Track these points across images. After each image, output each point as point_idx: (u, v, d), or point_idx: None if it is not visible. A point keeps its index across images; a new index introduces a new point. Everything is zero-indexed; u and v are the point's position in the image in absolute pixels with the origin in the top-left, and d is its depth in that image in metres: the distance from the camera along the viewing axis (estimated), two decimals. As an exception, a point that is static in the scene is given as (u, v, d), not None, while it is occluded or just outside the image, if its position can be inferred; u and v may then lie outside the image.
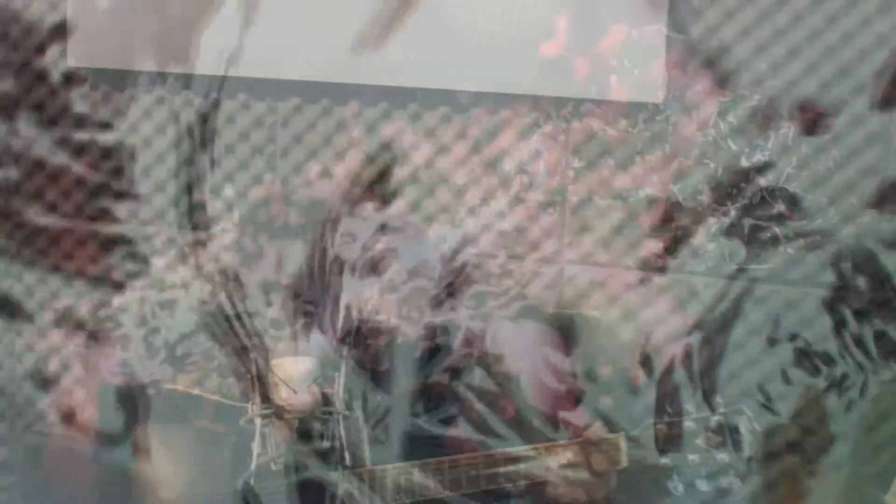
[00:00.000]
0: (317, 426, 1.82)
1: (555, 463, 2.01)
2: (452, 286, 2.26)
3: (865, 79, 2.29)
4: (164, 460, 2.16)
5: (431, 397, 2.13)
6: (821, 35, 2.30)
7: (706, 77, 2.37)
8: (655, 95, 2.36)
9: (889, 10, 2.26)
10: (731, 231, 2.41)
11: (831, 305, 2.30)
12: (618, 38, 2.35)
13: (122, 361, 2.33)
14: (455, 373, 2.17)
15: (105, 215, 2.75)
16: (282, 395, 1.83)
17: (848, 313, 2.32)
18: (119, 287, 2.75)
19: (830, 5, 2.29)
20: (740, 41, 2.34)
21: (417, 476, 2.06)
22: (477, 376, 2.19)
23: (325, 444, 1.82)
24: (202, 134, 2.66)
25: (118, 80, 2.68)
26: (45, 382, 2.83)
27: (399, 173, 2.55)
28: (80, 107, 2.72)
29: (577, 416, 2.20)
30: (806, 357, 2.39)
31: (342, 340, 2.05)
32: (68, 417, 2.83)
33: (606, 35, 2.35)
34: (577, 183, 2.47)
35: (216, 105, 2.63)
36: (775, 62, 2.32)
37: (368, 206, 2.41)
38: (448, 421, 2.13)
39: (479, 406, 2.14)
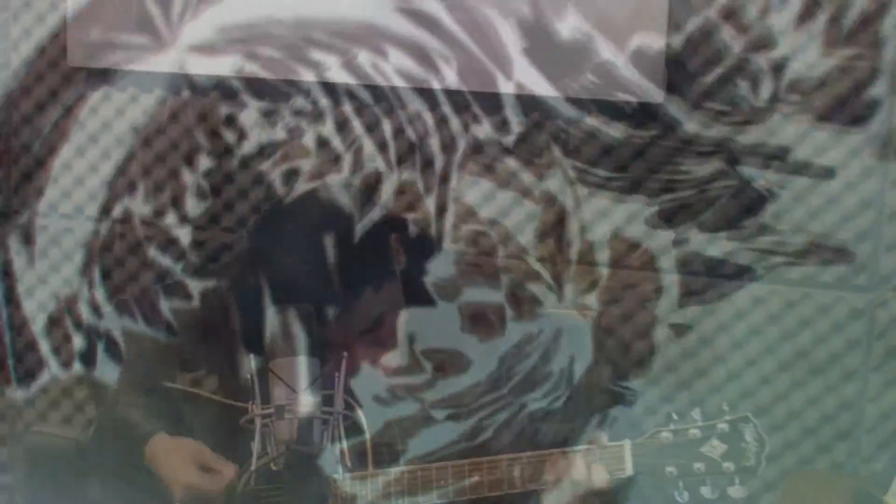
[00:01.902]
0: (317, 426, 1.81)
1: (559, 470, 2.00)
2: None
3: (866, 79, 2.29)
4: (164, 459, 2.16)
5: None
6: (821, 35, 2.30)
7: (706, 77, 2.37)
8: (655, 95, 2.36)
9: (889, 10, 2.26)
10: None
11: None
12: (617, 38, 2.35)
13: None
14: None
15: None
16: (282, 395, 1.83)
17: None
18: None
19: (830, 5, 2.29)
20: (740, 41, 2.34)
21: (420, 479, 2.06)
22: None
23: (326, 444, 1.82)
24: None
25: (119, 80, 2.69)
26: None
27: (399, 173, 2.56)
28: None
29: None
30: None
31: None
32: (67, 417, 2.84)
33: (606, 35, 2.35)
34: (577, 182, 2.47)
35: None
36: (776, 62, 2.32)
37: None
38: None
39: None
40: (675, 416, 2.01)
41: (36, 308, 2.83)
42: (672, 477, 1.98)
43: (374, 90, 2.53)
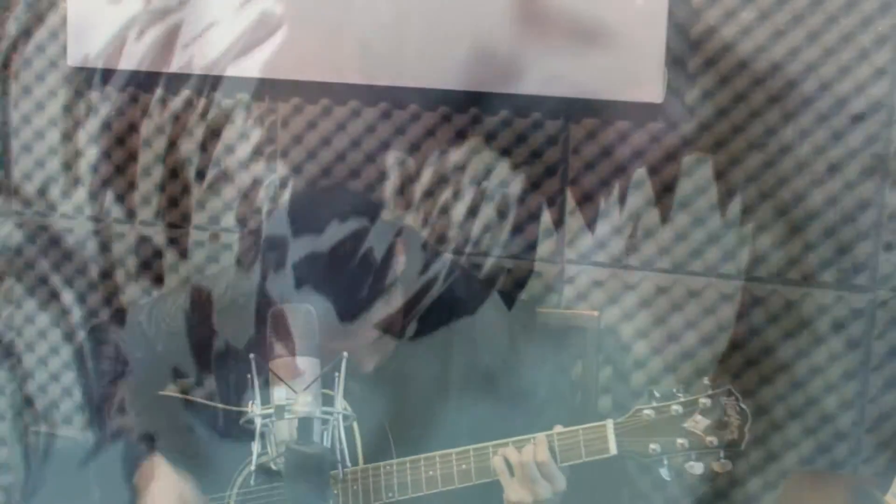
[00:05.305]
0: (317, 426, 1.81)
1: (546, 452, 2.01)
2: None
3: (866, 79, 2.29)
4: (151, 490, 2.17)
5: None
6: (821, 35, 2.30)
7: (706, 77, 2.37)
8: (655, 95, 2.36)
9: (889, 10, 2.26)
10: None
11: None
12: (617, 38, 2.35)
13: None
14: None
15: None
16: (282, 395, 1.83)
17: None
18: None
19: (830, 5, 2.29)
20: (740, 41, 2.34)
21: (413, 472, 2.06)
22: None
23: (326, 443, 1.82)
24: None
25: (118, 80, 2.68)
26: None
27: (397, 174, 2.56)
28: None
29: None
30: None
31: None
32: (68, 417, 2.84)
33: (606, 35, 2.35)
34: (576, 183, 2.47)
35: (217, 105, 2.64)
36: (775, 62, 2.32)
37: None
38: None
39: None
40: (656, 394, 2.01)
41: (36, 308, 2.83)
42: (656, 454, 1.98)
43: (372, 89, 2.53)
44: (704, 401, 1.97)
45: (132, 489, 2.18)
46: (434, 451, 2.08)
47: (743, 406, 1.97)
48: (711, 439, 1.96)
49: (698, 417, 1.97)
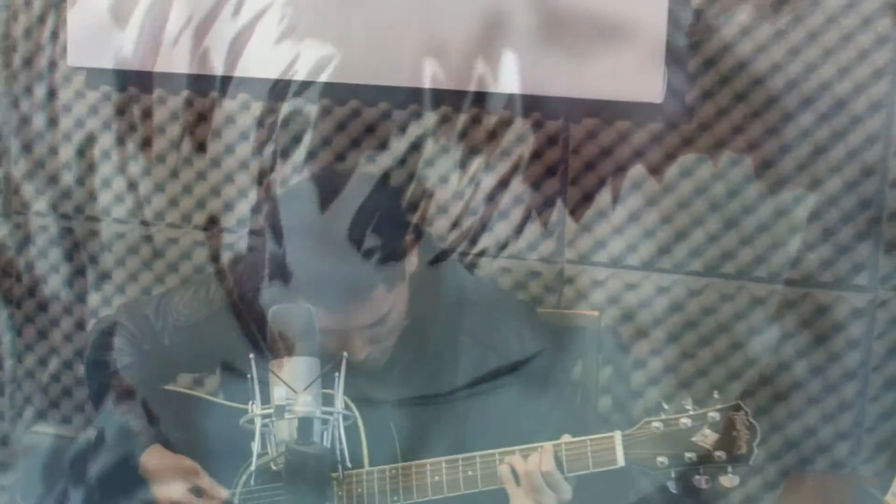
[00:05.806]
0: (317, 426, 1.82)
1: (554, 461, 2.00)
2: None
3: (866, 79, 2.29)
4: (157, 475, 2.17)
5: None
6: (821, 35, 2.30)
7: (706, 77, 2.37)
8: (655, 95, 2.36)
9: (889, 11, 2.26)
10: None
11: None
12: (617, 38, 2.35)
13: None
14: None
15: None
16: (282, 395, 1.83)
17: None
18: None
19: (830, 5, 2.29)
20: (740, 41, 2.34)
21: (416, 476, 2.06)
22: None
23: (326, 443, 1.82)
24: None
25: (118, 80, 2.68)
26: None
27: (399, 174, 2.56)
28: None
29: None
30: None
31: None
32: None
33: (606, 35, 2.35)
34: (576, 183, 2.47)
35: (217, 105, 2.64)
36: (775, 62, 2.32)
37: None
38: None
39: None
40: (665, 406, 2.00)
41: (35, 310, 2.83)
42: (664, 467, 1.97)
43: (372, 89, 2.53)
44: (713, 415, 1.96)
45: (136, 482, 2.18)
46: (439, 455, 2.07)
47: (752, 420, 1.96)
48: (720, 454, 1.95)
49: (707, 431, 1.96)
